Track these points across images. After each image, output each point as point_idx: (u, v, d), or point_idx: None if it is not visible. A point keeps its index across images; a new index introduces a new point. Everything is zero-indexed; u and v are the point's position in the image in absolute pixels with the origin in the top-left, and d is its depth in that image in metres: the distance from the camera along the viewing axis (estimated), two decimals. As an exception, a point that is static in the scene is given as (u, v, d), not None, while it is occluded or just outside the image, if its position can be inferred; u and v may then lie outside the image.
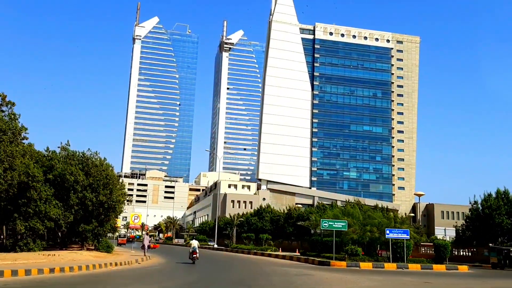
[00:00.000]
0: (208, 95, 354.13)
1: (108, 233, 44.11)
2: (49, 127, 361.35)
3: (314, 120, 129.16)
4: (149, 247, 34.93)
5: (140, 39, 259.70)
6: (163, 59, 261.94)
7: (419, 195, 51.86)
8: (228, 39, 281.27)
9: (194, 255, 29.79)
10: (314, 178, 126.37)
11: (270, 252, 43.00)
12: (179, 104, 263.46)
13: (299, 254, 40.20)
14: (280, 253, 42.72)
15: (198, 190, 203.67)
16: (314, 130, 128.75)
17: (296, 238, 49.25)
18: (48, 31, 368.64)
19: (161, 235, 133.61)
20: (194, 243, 30.91)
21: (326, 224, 33.36)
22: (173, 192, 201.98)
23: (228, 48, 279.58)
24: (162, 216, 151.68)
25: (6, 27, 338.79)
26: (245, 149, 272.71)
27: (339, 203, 75.15)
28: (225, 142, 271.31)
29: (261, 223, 57.27)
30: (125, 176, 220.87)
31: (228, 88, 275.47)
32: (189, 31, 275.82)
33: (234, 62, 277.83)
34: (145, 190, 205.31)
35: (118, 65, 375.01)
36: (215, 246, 60.30)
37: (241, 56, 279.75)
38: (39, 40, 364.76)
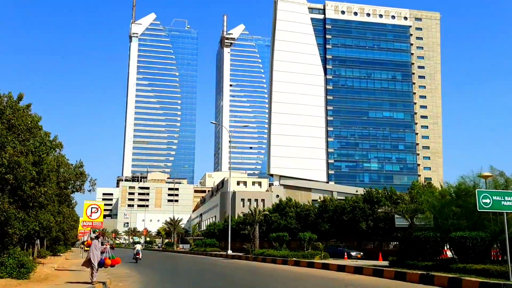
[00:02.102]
0: (210, 93, 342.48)
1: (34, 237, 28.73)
2: (50, 130, 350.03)
3: (328, 108, 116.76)
4: (102, 264, 18.30)
5: (137, 36, 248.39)
6: (162, 57, 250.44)
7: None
8: (229, 34, 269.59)
9: (137, 256, 37.52)
10: (331, 171, 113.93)
11: (323, 261, 27.72)
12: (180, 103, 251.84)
13: (387, 263, 24.60)
14: (342, 262, 27.12)
15: (204, 191, 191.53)
16: (329, 118, 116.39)
17: (341, 236, 36.28)
18: (39, 32, 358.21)
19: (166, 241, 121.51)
20: (138, 246, 39.59)
21: (488, 201, 15.82)
22: (177, 195, 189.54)
23: (229, 44, 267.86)
24: (166, 220, 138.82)
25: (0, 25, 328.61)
26: (251, 147, 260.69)
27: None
28: (230, 141, 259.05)
29: (284, 220, 44.90)
30: (126, 180, 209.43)
31: (231, 85, 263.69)
32: (188, 26, 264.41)
33: (236, 58, 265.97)
34: (147, 194, 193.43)
35: (115, 65, 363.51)
36: (230, 253, 45.78)
37: (243, 51, 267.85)
38: (30, 41, 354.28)
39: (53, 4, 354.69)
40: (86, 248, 74.52)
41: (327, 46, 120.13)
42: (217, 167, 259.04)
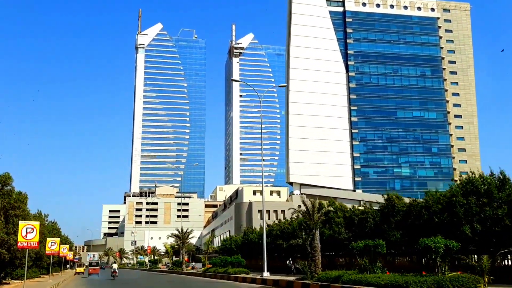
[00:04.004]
0: (219, 104, 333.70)
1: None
2: (50, 148, 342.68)
3: (352, 107, 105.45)
4: None
5: (143, 47, 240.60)
6: (169, 68, 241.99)
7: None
8: (238, 43, 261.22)
9: (114, 273, 47.53)
10: (358, 178, 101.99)
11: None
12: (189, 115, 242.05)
13: None
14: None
15: (215, 206, 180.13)
16: (353, 119, 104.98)
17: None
18: (43, 41, 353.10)
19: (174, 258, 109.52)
20: (114, 266, 51.32)
21: None
22: (186, 210, 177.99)
23: (238, 53, 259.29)
24: (174, 239, 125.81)
25: (4, 35, 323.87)
26: (264, 159, 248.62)
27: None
28: (241, 154, 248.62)
29: (328, 229, 33.34)
30: (133, 196, 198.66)
31: (240, 96, 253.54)
32: (196, 36, 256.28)
33: (245, 68, 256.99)
34: (156, 210, 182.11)
35: (121, 77, 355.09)
36: (267, 276, 32.43)
37: (252, 60, 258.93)
38: (35, 49, 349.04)
39: (57, 15, 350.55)
40: (78, 270, 61.36)
41: (348, 41, 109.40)
42: (228, 180, 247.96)
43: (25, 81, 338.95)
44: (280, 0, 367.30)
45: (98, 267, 67.21)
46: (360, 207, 36.31)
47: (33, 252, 32.78)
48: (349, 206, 47.99)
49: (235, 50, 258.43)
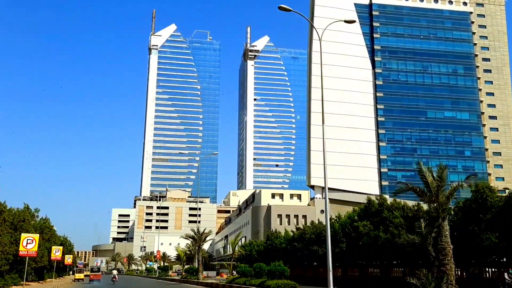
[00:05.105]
0: (233, 108, 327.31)
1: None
2: (61, 150, 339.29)
3: (379, 106, 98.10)
4: None
5: (156, 49, 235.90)
6: (182, 70, 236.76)
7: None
8: (253, 46, 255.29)
9: (114, 279, 50.90)
10: (385, 183, 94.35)
11: None
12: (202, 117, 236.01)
13: None
14: None
15: (228, 211, 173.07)
16: (379, 119, 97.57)
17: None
18: (56, 43, 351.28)
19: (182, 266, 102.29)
20: (114, 272, 56.24)
21: None
22: (199, 215, 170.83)
23: (253, 56, 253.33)
24: (186, 244, 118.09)
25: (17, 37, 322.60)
26: (277, 165, 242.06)
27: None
28: (254, 159, 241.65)
29: (383, 232, 26.04)
30: (144, 199, 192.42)
31: (255, 99, 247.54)
32: (210, 38, 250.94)
33: (260, 71, 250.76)
34: (167, 214, 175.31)
35: (133, 78, 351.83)
36: None
37: (267, 63, 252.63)
38: (47, 52, 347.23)
39: (70, 15, 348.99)
40: (77, 276, 54.34)
41: (375, 35, 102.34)
42: (240, 186, 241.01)
43: (33, 81, 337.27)
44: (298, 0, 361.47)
45: (100, 272, 63.08)
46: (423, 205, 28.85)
47: (8, 254, 26.46)
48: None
49: (250, 53, 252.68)
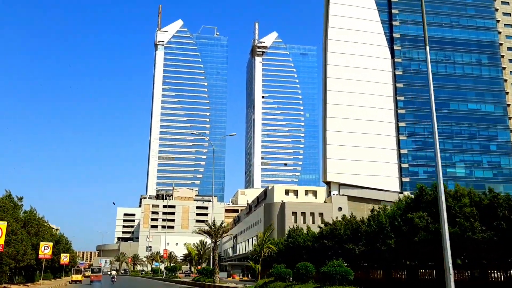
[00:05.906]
0: (241, 105, 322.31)
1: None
2: (68, 147, 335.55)
3: (398, 98, 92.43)
4: None
5: (163, 44, 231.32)
6: (189, 66, 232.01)
7: None
8: (261, 42, 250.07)
9: (113, 279, 53.89)
10: (405, 179, 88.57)
11: None
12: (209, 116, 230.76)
13: None
14: None
15: (236, 211, 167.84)
16: (399, 111, 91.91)
17: None
18: (62, 40, 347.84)
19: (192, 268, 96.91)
20: (113, 272, 57.74)
21: None
22: (206, 214, 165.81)
23: (261, 52, 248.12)
24: (194, 243, 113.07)
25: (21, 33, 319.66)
26: (285, 164, 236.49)
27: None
28: (262, 158, 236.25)
29: (449, 224, 21.04)
30: (150, 198, 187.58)
31: (263, 97, 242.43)
32: (217, 33, 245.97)
33: (268, 68, 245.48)
34: (173, 213, 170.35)
35: (139, 74, 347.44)
36: None
37: (276, 60, 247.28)
38: (54, 51, 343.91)
39: (75, 10, 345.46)
40: (74, 278, 49.54)
41: (394, 23, 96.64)
42: (248, 185, 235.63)
43: (33, 80, 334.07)
44: None
45: (101, 273, 61.64)
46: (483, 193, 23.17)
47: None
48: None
49: (257, 49, 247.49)
